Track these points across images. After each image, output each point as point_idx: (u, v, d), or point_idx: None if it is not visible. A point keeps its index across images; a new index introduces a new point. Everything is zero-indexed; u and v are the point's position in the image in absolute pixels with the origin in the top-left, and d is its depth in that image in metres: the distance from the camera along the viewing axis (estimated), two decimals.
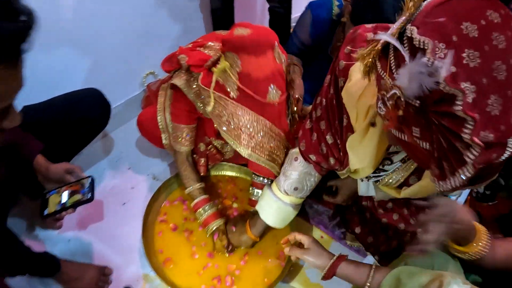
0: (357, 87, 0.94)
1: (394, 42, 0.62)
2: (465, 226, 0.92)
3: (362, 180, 1.25)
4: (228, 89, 1.26)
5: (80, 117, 1.44)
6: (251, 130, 1.28)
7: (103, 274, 1.40)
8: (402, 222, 1.31)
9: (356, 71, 0.95)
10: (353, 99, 0.96)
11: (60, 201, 1.28)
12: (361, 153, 1.03)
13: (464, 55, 0.56)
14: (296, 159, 1.29)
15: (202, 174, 1.61)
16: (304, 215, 1.59)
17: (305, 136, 1.22)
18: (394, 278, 1.00)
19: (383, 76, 0.66)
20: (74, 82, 1.60)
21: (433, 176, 0.67)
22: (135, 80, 1.95)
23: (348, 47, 0.97)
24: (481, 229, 0.95)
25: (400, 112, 0.63)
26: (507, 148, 0.58)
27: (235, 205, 1.64)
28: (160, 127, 1.55)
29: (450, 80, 0.55)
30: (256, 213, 1.41)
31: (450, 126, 0.58)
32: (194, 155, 1.61)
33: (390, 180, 1.10)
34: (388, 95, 0.64)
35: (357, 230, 1.44)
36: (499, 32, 0.57)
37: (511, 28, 0.59)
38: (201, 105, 1.40)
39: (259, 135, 1.29)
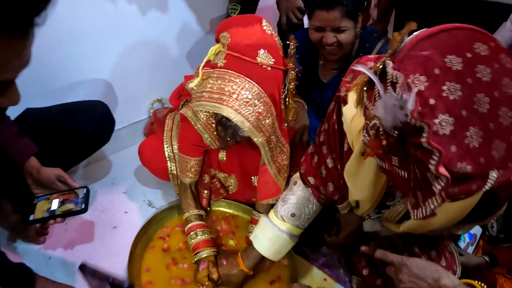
0: (351, 111, 0.93)
1: (370, 75, 0.66)
2: None
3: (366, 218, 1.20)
4: (216, 62, 1.17)
5: (78, 129, 1.39)
6: (236, 90, 1.11)
7: None
8: (423, 255, 1.20)
9: (352, 96, 0.92)
10: (347, 122, 0.96)
11: (49, 208, 1.19)
12: (359, 182, 1.00)
13: (444, 87, 0.57)
14: (295, 183, 1.25)
15: (204, 206, 1.53)
16: (306, 255, 1.49)
17: (306, 160, 1.22)
18: None
19: (368, 106, 0.69)
20: (80, 96, 1.56)
21: (410, 204, 0.68)
22: (141, 106, 1.92)
23: (350, 76, 0.98)
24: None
25: (384, 142, 0.65)
26: (488, 180, 0.58)
27: (231, 242, 1.53)
28: (167, 155, 1.50)
29: (416, 113, 0.57)
30: (250, 245, 1.31)
31: (421, 157, 0.59)
32: (198, 187, 1.54)
33: (392, 213, 1.05)
34: (370, 125, 0.67)
35: (365, 272, 1.33)
36: (485, 64, 0.58)
37: (499, 61, 0.59)
38: (208, 137, 1.35)
39: (244, 96, 1.12)
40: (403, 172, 0.66)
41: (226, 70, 1.12)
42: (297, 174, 1.26)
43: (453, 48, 0.59)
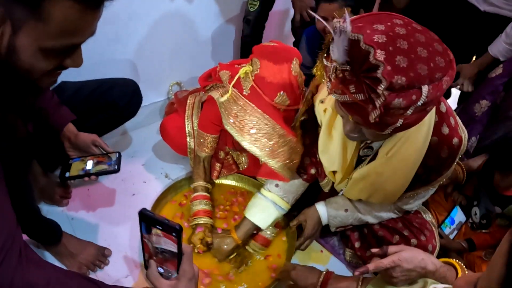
0: (321, 93, 1.23)
1: (326, 24, 0.89)
2: (437, 274, 0.99)
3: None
4: (243, 87, 1.37)
5: (112, 101, 1.54)
6: (254, 123, 1.34)
7: (102, 254, 1.43)
8: (396, 235, 1.37)
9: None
10: (317, 102, 1.23)
11: (84, 167, 1.32)
12: (330, 155, 1.21)
13: (374, 37, 0.81)
14: None
15: (214, 178, 1.69)
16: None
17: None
18: (379, 283, 1.06)
19: (327, 64, 0.90)
20: (107, 74, 1.70)
21: (363, 121, 0.89)
22: (161, 88, 2.07)
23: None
24: (460, 268, 1.01)
25: (340, 75, 0.86)
26: (423, 93, 0.80)
27: (235, 209, 1.66)
28: (187, 131, 1.64)
29: (363, 43, 0.80)
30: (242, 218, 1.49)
31: (369, 82, 0.81)
32: (212, 160, 1.69)
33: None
34: (330, 71, 0.88)
35: (357, 245, 1.49)
36: (401, 26, 0.84)
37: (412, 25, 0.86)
38: None
39: (260, 130, 1.35)
40: (359, 95, 0.84)
41: (249, 102, 1.35)
42: None
43: (377, 20, 0.85)
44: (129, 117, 1.67)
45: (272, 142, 1.34)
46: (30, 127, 1.20)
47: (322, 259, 1.56)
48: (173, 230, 0.77)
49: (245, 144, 1.34)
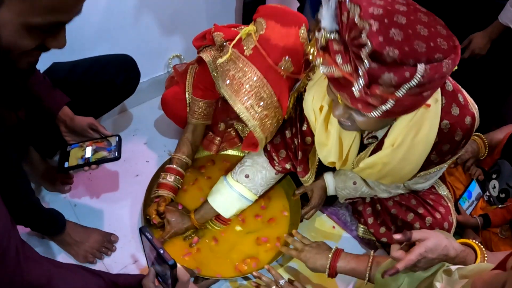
0: (310, 93, 1.15)
1: None
2: (456, 259, 0.94)
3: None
4: (244, 48, 1.24)
5: (109, 79, 1.46)
6: (252, 88, 1.21)
7: (108, 240, 1.39)
8: (410, 213, 1.32)
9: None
10: (308, 103, 1.15)
11: (83, 155, 1.26)
12: (328, 148, 1.15)
13: (370, 9, 0.74)
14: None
15: (212, 153, 1.61)
16: None
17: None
18: (392, 262, 1.01)
19: (317, 34, 0.83)
20: (102, 51, 1.60)
21: (350, 98, 0.82)
22: (160, 61, 1.97)
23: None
24: (480, 251, 0.96)
25: (328, 44, 0.80)
26: (417, 71, 0.73)
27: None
28: (187, 102, 1.55)
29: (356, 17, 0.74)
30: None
31: (356, 49, 0.74)
32: (210, 133, 1.61)
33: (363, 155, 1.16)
34: (319, 41, 0.81)
35: (370, 220, 1.44)
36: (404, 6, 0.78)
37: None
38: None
39: (257, 96, 1.23)
40: (346, 67, 0.78)
41: (250, 63, 1.20)
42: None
43: None
44: (128, 95, 1.59)
45: (265, 113, 1.22)
46: (22, 113, 1.13)
47: (334, 235, 1.52)
48: (165, 263, 0.80)
49: (239, 107, 1.21)
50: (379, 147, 1.08)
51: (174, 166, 1.47)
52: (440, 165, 1.11)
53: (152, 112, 1.88)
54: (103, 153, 1.26)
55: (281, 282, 1.18)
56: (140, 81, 1.64)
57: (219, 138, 1.62)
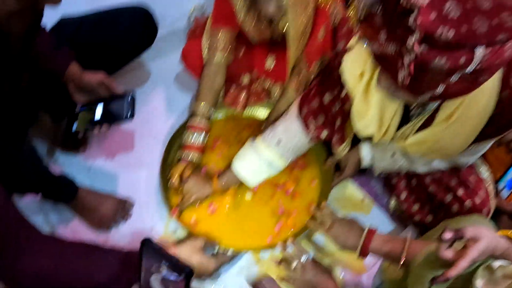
0: (352, 57, 1.02)
1: None
2: (500, 257, 0.83)
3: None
4: None
5: (122, 35, 1.34)
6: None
7: (123, 207, 1.32)
8: (449, 193, 1.21)
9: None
10: (347, 68, 1.03)
11: (93, 118, 1.17)
12: (367, 120, 1.04)
13: None
14: (290, 111, 1.25)
15: (239, 109, 1.46)
16: None
17: (307, 92, 1.22)
18: (432, 250, 0.91)
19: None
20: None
21: (392, 79, 0.73)
22: (181, 12, 1.83)
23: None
24: None
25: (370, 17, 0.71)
26: (475, 56, 0.62)
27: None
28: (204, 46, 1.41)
29: None
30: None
31: (403, 28, 0.64)
32: (233, 88, 1.46)
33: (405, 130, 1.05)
34: (359, 11, 0.72)
35: (403, 195, 1.33)
36: None
37: None
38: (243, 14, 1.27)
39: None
40: (390, 46, 0.68)
41: None
42: (293, 103, 1.25)
43: None
44: (143, 49, 1.47)
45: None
46: (26, 76, 1.03)
47: (364, 207, 1.42)
48: (181, 272, 0.66)
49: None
50: (429, 121, 0.96)
51: (198, 121, 1.34)
52: (494, 138, 1.01)
53: (171, 67, 1.73)
54: (115, 113, 1.16)
55: (303, 258, 1.11)
56: (159, 33, 1.51)
57: (244, 93, 1.46)
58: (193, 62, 1.46)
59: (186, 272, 0.65)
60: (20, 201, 1.26)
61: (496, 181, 1.32)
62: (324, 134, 1.20)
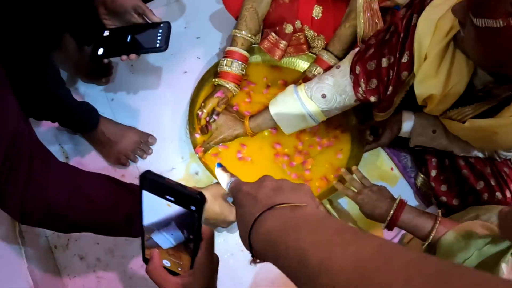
0: (438, 10, 0.94)
1: None
2: None
3: None
4: None
5: None
6: None
7: (145, 141, 1.27)
8: (481, 181, 1.16)
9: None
10: (433, 21, 0.94)
11: (122, 43, 1.08)
12: (433, 83, 0.97)
13: None
14: (338, 67, 1.15)
15: (277, 58, 1.36)
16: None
17: (363, 49, 1.12)
18: (464, 232, 0.90)
19: None
20: None
21: None
22: None
23: None
24: None
25: None
26: None
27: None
28: None
29: None
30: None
31: None
32: (273, 35, 1.35)
33: (458, 114, 1.00)
34: None
35: (433, 173, 1.27)
36: None
37: None
38: None
39: None
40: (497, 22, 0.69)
41: None
42: (345, 59, 1.17)
43: None
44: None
45: None
46: None
47: (390, 178, 1.37)
48: (191, 202, 0.50)
49: None
50: (493, 111, 0.90)
51: (239, 50, 1.26)
52: None
53: (208, 3, 1.64)
54: (147, 41, 1.08)
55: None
56: None
57: (284, 42, 1.36)
58: (233, 2, 1.36)
59: (197, 201, 0.50)
60: (35, 129, 1.23)
61: None
62: (373, 99, 1.12)
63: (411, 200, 1.34)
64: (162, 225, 0.54)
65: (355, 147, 1.33)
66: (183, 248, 0.56)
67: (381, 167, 1.37)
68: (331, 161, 1.32)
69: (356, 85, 1.11)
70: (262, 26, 1.33)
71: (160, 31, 1.09)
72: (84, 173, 0.83)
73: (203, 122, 1.24)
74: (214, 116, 1.25)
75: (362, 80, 1.10)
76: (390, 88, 1.07)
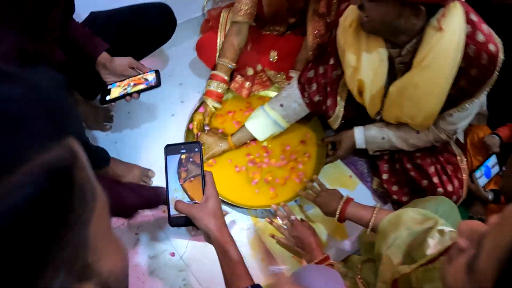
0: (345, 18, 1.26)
1: None
2: None
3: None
4: None
5: (145, 28, 1.52)
6: None
7: (146, 175, 1.54)
8: (426, 180, 1.41)
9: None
10: (343, 26, 1.26)
11: (125, 89, 1.34)
12: (358, 68, 1.25)
13: None
14: (292, 80, 1.53)
15: (244, 96, 1.67)
16: None
17: (306, 63, 1.52)
18: (395, 216, 1.11)
19: None
20: None
21: None
22: (196, 3, 2.03)
23: None
24: None
25: None
26: None
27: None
28: (218, 45, 1.64)
29: None
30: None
31: None
32: (239, 77, 1.66)
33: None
34: None
35: (385, 176, 1.53)
36: None
37: None
38: None
39: None
40: None
41: None
42: (294, 77, 1.52)
43: None
44: (164, 41, 1.65)
45: None
46: (60, 54, 1.21)
47: (350, 184, 1.63)
48: (195, 147, 0.85)
49: None
50: (407, 69, 1.18)
51: (221, 74, 1.57)
52: (472, 98, 1.18)
53: (187, 53, 1.95)
54: (142, 86, 1.34)
55: (292, 217, 1.34)
56: (177, 23, 1.66)
57: (248, 82, 1.67)
58: (206, 54, 1.69)
59: (198, 144, 0.85)
60: None
61: (473, 170, 1.49)
62: (316, 98, 1.45)
63: (370, 200, 1.59)
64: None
65: (316, 161, 1.61)
66: (196, 187, 0.85)
67: (341, 176, 1.64)
68: (296, 172, 1.59)
69: (302, 91, 1.46)
70: (240, 52, 1.62)
71: (152, 77, 1.36)
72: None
73: (195, 131, 1.58)
74: (205, 128, 1.59)
75: (306, 86, 1.44)
76: (328, 86, 1.40)
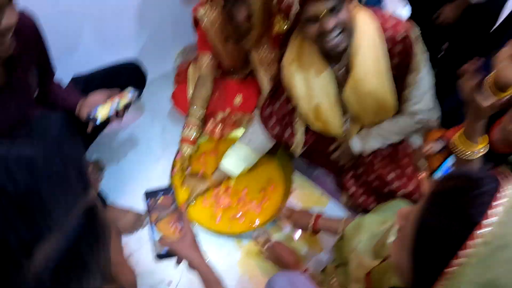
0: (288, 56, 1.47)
1: None
2: None
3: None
4: None
5: (120, 86, 1.60)
6: None
7: (139, 219, 1.69)
8: (387, 187, 1.54)
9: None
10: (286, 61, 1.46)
11: (111, 109, 1.44)
12: (313, 96, 1.44)
13: None
14: (255, 118, 1.71)
15: (217, 137, 1.88)
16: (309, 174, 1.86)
17: (265, 101, 1.69)
18: (356, 223, 1.29)
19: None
20: (111, 52, 1.87)
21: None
22: (168, 56, 2.22)
23: None
24: None
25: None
26: None
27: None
28: (188, 95, 1.85)
29: None
30: None
31: None
32: (211, 122, 1.87)
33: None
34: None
35: (351, 190, 1.67)
36: None
37: None
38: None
39: None
40: None
41: None
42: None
43: None
44: (139, 94, 1.76)
45: None
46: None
47: (322, 201, 1.79)
48: (168, 191, 1.11)
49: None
50: (348, 71, 1.38)
51: (191, 119, 1.77)
52: (414, 73, 1.35)
53: (163, 104, 2.13)
54: (125, 100, 1.47)
55: (271, 242, 1.51)
56: (151, 78, 1.87)
57: (220, 125, 1.88)
58: (181, 103, 1.91)
59: (170, 189, 1.10)
60: None
61: (434, 171, 1.62)
62: (276, 130, 1.64)
63: (342, 213, 1.74)
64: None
65: (285, 187, 1.79)
66: (166, 222, 1.07)
67: (313, 194, 1.81)
68: (269, 196, 1.77)
69: (264, 126, 1.66)
70: (208, 99, 1.84)
71: (130, 92, 1.51)
72: None
73: (177, 177, 1.75)
74: (186, 172, 1.77)
75: (266, 121, 1.64)
76: (286, 118, 1.59)
